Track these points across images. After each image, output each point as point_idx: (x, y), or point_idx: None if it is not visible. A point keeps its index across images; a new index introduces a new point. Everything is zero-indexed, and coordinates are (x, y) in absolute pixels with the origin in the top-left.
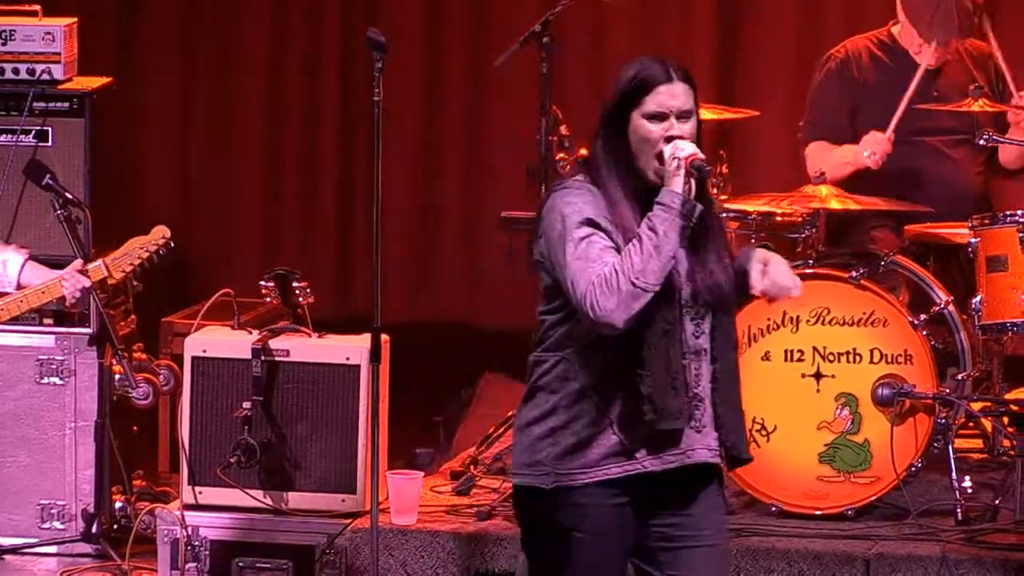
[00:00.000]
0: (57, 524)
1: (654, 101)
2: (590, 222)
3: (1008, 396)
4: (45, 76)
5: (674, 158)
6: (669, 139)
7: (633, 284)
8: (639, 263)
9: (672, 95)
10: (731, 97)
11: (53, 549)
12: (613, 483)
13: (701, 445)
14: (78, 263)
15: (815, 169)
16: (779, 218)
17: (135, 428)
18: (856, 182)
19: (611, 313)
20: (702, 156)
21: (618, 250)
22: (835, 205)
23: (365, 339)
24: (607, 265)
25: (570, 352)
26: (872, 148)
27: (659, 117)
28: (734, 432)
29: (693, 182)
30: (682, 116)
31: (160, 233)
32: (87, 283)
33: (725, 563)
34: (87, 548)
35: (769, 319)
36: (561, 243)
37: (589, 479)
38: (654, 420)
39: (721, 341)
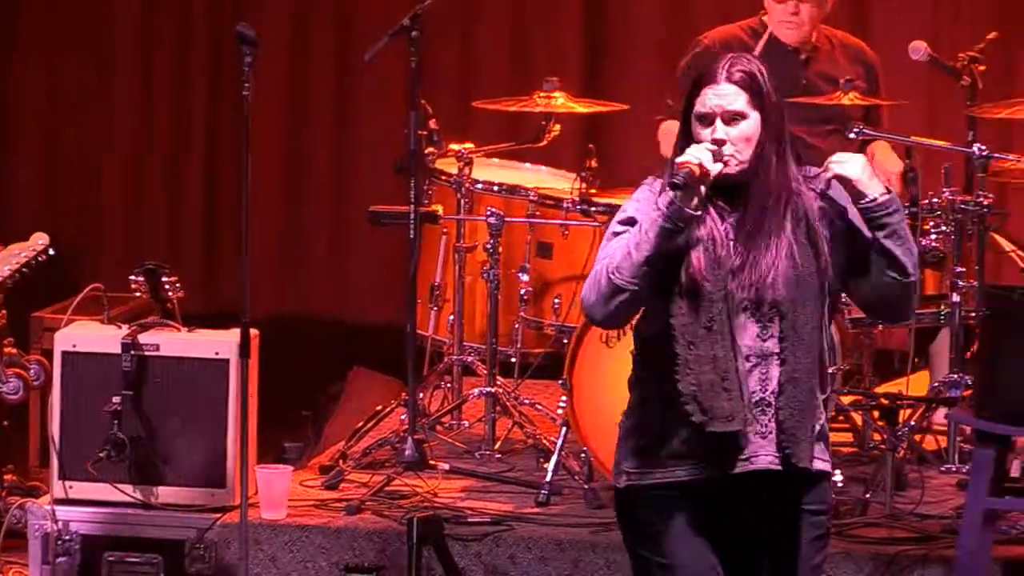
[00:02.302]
0: None
1: (701, 102)
2: (629, 220)
3: (878, 390)
4: None
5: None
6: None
7: (610, 279)
8: (619, 259)
9: (717, 95)
10: (600, 91)
11: None
12: (681, 487)
13: (767, 452)
14: None
15: (666, 149)
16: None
17: (5, 423)
18: None
19: (591, 307)
20: (693, 165)
21: None
22: None
23: (234, 334)
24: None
25: (640, 350)
26: None
27: (705, 119)
28: (793, 437)
29: (703, 188)
30: (730, 118)
31: (38, 239)
32: None
33: None
34: None
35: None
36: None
37: (655, 480)
38: (703, 422)
39: (790, 344)
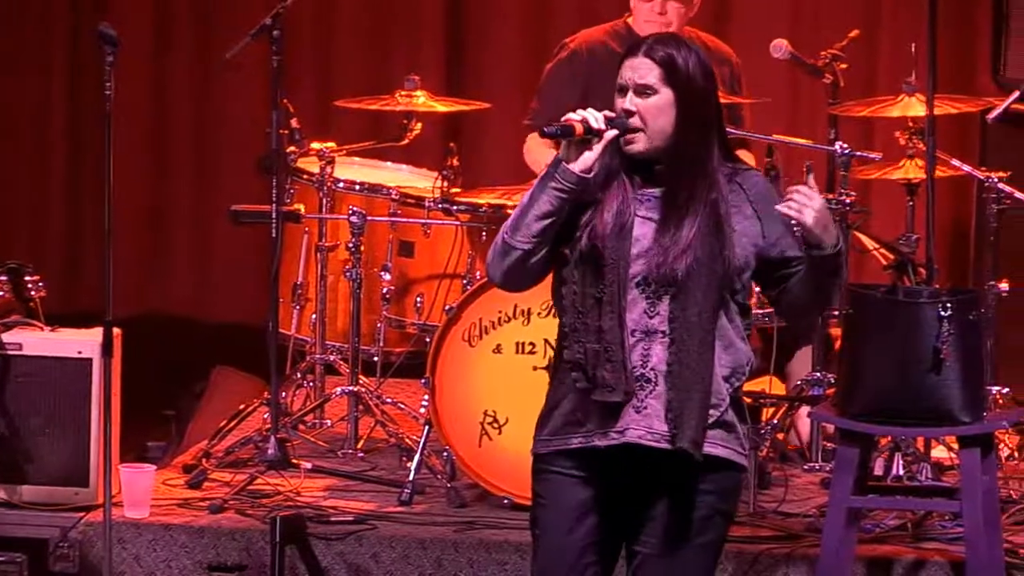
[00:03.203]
0: None
1: (620, 74)
2: None
3: None
4: None
5: None
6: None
7: (503, 236)
8: (512, 219)
9: (632, 68)
10: (461, 90)
11: None
12: (573, 455)
13: (640, 426)
14: None
15: (532, 163)
16: (510, 211)
17: None
18: None
19: (488, 265)
20: (576, 121)
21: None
22: None
23: (97, 333)
24: None
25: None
26: None
27: (622, 90)
28: (678, 420)
29: (596, 147)
30: (641, 91)
31: None
32: None
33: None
34: None
35: (500, 311)
36: None
37: (552, 448)
38: (587, 389)
39: (680, 325)
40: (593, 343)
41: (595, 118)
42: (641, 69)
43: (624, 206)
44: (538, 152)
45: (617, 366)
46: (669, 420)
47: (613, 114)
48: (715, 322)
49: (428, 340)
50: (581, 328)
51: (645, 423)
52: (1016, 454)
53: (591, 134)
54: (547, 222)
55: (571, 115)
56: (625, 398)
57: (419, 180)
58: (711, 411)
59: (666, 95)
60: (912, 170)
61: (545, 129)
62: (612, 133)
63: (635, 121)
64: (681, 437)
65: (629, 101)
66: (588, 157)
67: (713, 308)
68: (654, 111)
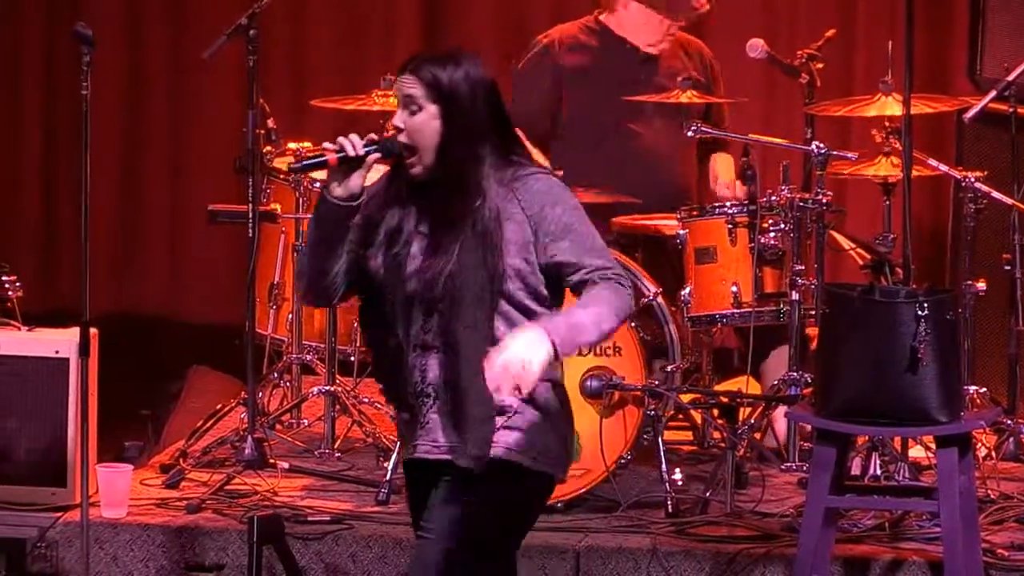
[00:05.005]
0: None
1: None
2: None
3: (717, 388)
4: None
5: None
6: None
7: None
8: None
9: (401, 83)
10: None
11: None
12: (406, 465)
13: (425, 441)
14: None
15: None
16: None
17: None
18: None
19: (296, 289)
20: (331, 147)
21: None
22: None
23: (74, 333)
24: None
25: None
26: None
27: (399, 106)
28: (447, 433)
29: (361, 172)
30: (407, 106)
31: None
32: None
33: (423, 561)
34: None
35: None
36: None
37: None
38: (391, 405)
39: (448, 339)
40: (386, 360)
41: (352, 144)
42: (405, 85)
43: (404, 227)
44: None
45: (402, 382)
46: (450, 433)
47: (376, 136)
48: (489, 333)
49: None
50: (378, 346)
51: (429, 437)
52: (993, 454)
53: (349, 161)
54: (320, 247)
55: (327, 144)
56: (411, 415)
57: None
58: (497, 419)
59: (431, 111)
60: (887, 167)
61: (290, 166)
62: (374, 156)
63: (403, 137)
64: (461, 453)
65: (399, 117)
66: (354, 182)
67: (484, 319)
68: (418, 126)
